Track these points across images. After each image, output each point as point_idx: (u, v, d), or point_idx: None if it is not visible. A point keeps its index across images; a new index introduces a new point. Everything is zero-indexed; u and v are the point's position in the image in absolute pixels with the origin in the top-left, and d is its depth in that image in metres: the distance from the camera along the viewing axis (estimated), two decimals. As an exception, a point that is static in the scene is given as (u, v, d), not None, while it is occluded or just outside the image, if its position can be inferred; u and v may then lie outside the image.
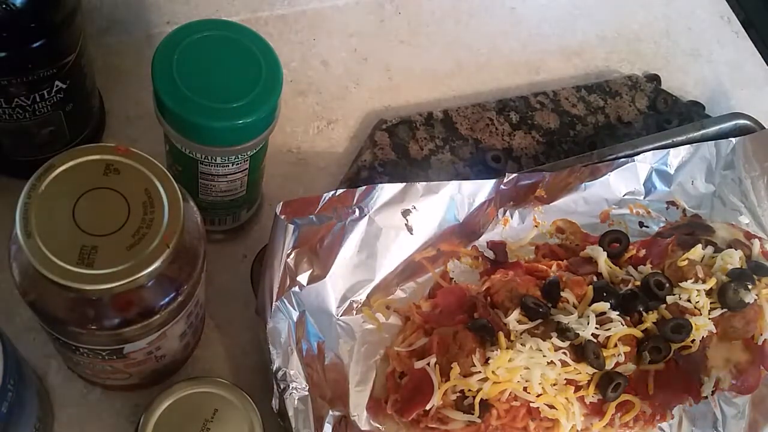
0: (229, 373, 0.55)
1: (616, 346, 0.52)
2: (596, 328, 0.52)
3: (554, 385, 0.51)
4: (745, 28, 0.82)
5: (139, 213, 0.39)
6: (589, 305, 0.53)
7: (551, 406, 0.51)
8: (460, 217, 0.58)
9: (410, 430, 0.52)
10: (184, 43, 0.46)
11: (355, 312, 0.55)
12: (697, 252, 0.57)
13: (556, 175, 0.61)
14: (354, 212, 0.54)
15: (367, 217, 0.55)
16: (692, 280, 0.55)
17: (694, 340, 0.54)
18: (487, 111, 0.69)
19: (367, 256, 0.55)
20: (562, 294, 0.54)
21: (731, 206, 0.66)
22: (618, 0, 0.80)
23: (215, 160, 0.49)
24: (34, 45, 0.47)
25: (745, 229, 0.63)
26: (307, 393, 0.50)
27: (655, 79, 0.75)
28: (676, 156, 0.64)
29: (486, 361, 0.50)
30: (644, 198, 0.64)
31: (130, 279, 0.38)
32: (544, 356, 0.51)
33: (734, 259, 0.57)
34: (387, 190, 0.55)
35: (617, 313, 0.53)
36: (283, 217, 0.51)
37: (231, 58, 0.47)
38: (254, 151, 0.50)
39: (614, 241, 0.59)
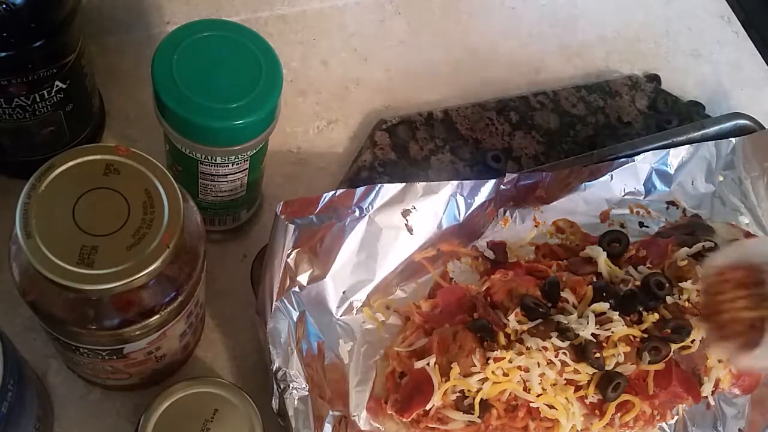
0: (229, 373, 0.55)
1: (616, 346, 0.52)
2: (596, 328, 0.52)
3: (554, 385, 0.51)
4: (745, 28, 0.82)
5: (139, 213, 0.39)
6: (589, 305, 0.53)
7: (551, 406, 0.51)
8: (460, 217, 0.58)
9: (410, 430, 0.52)
10: (184, 43, 0.46)
11: (355, 312, 0.55)
12: (685, 253, 0.57)
13: (556, 175, 0.61)
14: (354, 212, 0.54)
15: (367, 217, 0.55)
16: (692, 280, 0.55)
17: (693, 340, 0.54)
18: (487, 111, 0.69)
19: (367, 256, 0.55)
20: (562, 294, 0.54)
21: (731, 206, 0.66)
22: (618, 0, 0.80)
23: (215, 160, 0.49)
24: (34, 45, 0.47)
25: (745, 229, 0.63)
26: (307, 393, 0.50)
27: (655, 79, 0.75)
28: (676, 156, 0.64)
29: (486, 361, 0.50)
30: (644, 198, 0.64)
31: (130, 279, 0.38)
32: (544, 356, 0.51)
33: (734, 259, 0.57)
34: (387, 190, 0.55)
35: (617, 313, 0.53)
36: (283, 217, 0.51)
37: (231, 58, 0.47)
38: (254, 151, 0.50)
39: (614, 241, 0.59)
